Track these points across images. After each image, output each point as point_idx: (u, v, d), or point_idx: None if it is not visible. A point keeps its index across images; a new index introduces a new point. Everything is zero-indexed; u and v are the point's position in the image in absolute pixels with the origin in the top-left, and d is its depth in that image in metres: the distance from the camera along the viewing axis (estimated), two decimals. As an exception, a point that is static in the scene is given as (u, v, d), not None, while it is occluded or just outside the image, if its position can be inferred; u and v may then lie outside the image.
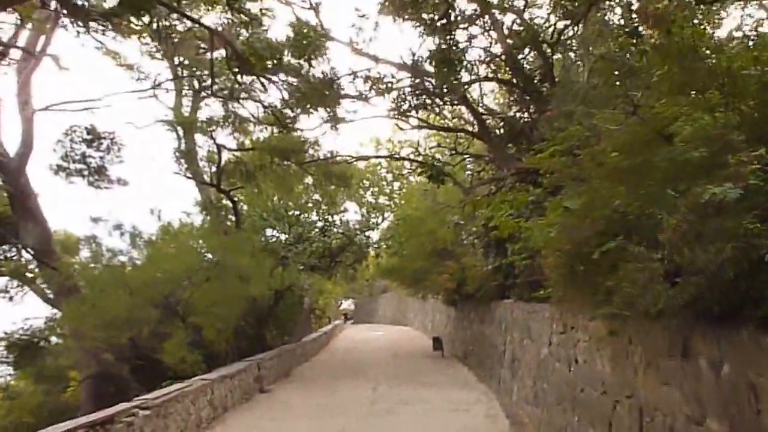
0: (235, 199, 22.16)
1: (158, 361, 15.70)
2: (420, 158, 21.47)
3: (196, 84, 21.49)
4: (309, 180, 24.35)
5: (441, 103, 17.89)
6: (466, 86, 16.43)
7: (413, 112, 18.09)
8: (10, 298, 20.79)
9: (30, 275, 19.72)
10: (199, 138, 21.77)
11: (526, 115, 16.03)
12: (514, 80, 15.98)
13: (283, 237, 24.80)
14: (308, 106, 17.01)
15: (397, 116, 18.37)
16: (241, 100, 19.53)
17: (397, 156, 16.62)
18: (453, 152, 17.57)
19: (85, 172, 22.72)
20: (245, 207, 25.63)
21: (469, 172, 21.75)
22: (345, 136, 79.06)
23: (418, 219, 23.17)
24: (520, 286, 13.91)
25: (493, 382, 16.40)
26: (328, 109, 17.21)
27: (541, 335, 11.41)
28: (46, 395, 19.11)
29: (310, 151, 18.97)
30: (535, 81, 15.33)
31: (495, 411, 12.99)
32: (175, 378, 16.71)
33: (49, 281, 16.47)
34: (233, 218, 22.50)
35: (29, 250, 17.92)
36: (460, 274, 19.86)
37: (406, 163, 27.52)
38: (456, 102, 17.42)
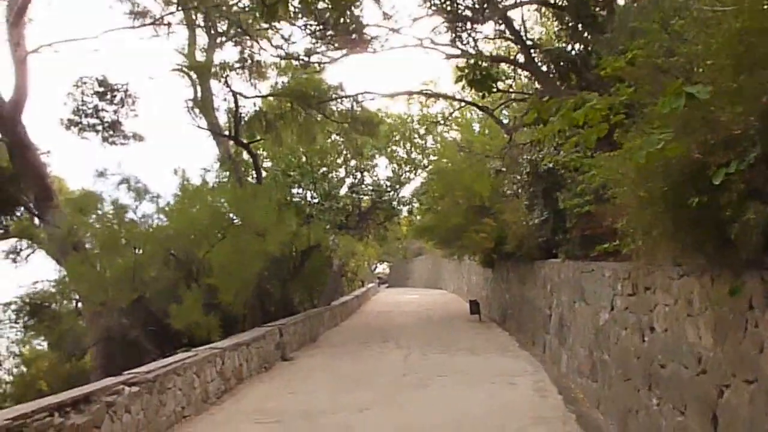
0: (255, 152, 20.60)
1: (171, 326, 14.38)
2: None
3: (211, 28, 19.83)
4: (335, 136, 22.76)
5: (479, 28, 15.59)
6: (508, 7, 14.29)
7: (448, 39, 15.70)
8: (15, 260, 19.87)
9: (35, 234, 18.60)
10: (215, 87, 20.20)
11: (578, 46, 13.90)
12: (565, 2, 13.66)
13: (308, 194, 23.24)
14: (333, 40, 15.02)
15: (430, 46, 16.05)
16: (259, 42, 17.74)
17: (429, 92, 14.51)
18: (494, 90, 15.43)
19: (99, 127, 21.49)
20: (268, 164, 24.14)
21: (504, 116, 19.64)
22: (372, 86, 76.45)
23: (453, 173, 21.41)
24: (571, 242, 12.10)
25: (537, 348, 14.90)
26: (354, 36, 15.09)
27: (599, 298, 9.63)
28: (60, 361, 18.09)
29: (334, 97, 17.13)
30: (590, 4, 13.12)
31: (543, 383, 11.30)
32: (190, 344, 15.51)
33: (53, 239, 15.20)
34: (253, 173, 21.07)
35: (30, 206, 16.76)
36: (499, 231, 18.43)
37: (440, 113, 25.73)
38: (497, 27, 15.16)
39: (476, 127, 25.49)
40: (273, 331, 15.89)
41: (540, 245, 14.73)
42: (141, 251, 14.47)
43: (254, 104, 19.69)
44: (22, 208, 18.25)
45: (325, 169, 23.83)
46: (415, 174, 26.29)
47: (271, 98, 18.15)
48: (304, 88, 16.45)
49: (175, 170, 18.50)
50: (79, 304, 17.22)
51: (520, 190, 14.71)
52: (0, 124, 15.67)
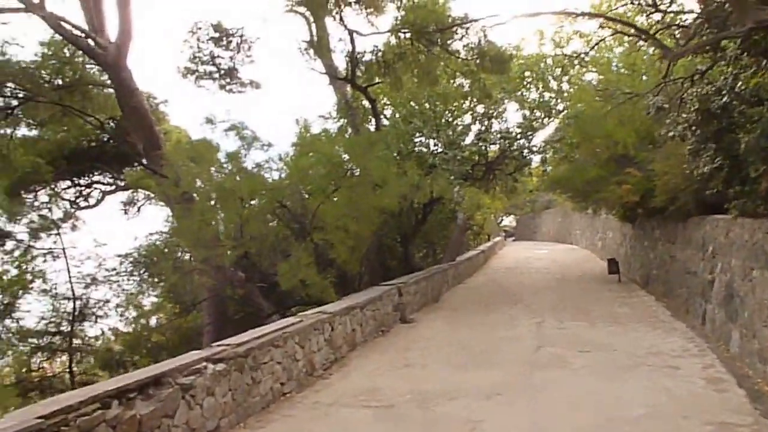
0: (374, 98, 19.06)
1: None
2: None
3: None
4: (460, 80, 20.74)
5: None
6: None
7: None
8: (126, 211, 19.94)
9: (148, 185, 18.40)
10: (330, 26, 18.74)
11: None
12: None
13: (431, 143, 21.51)
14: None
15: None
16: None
17: (576, 12, 12.00)
18: (653, 9, 12.68)
19: (215, 75, 20.92)
20: (389, 112, 22.61)
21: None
22: (499, 29, 71.67)
23: (591, 119, 18.92)
24: (752, 196, 9.70)
25: (695, 319, 12.68)
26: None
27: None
28: (176, 314, 17.99)
29: (460, 24, 15.07)
30: None
31: (715, 370, 9.10)
32: (304, 302, 14.62)
33: (162, 190, 14.65)
34: (372, 120, 19.66)
35: (139, 155, 16.36)
36: (646, 183, 16.28)
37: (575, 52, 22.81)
38: None
39: (616, 67, 22.63)
40: (391, 291, 14.58)
41: (701, 199, 12.34)
42: (250, 204, 13.52)
43: (373, 46, 18.16)
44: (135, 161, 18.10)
45: (449, 115, 21.93)
46: (548, 119, 23.78)
47: (389, 37, 16.46)
48: (425, 20, 14.55)
49: (296, 120, 17.40)
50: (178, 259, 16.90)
51: (686, 133, 12.19)
52: (106, 69, 15.20)
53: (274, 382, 8.10)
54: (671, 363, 9.61)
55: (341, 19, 16.50)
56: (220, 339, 8.24)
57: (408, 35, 15.55)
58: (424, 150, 21.10)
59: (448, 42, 15.54)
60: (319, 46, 18.15)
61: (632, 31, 13.70)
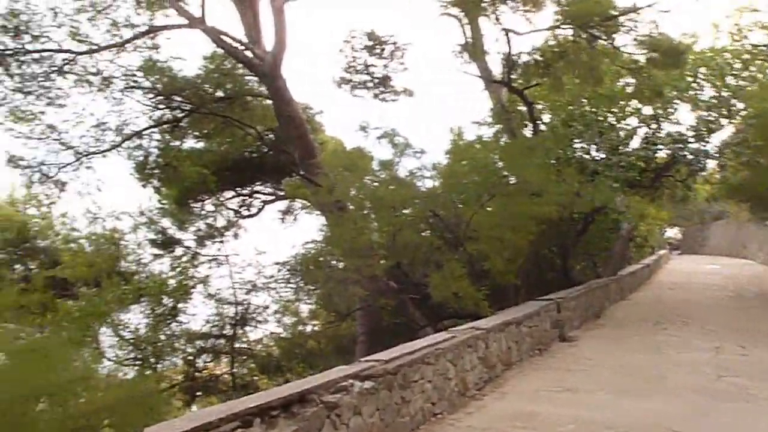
0: (531, 101, 18.11)
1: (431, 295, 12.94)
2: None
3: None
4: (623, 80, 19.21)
5: None
6: None
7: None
8: (284, 220, 20.42)
9: (305, 194, 18.77)
10: (484, 27, 18.05)
11: None
12: None
13: (592, 148, 20.08)
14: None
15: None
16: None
17: None
18: None
19: (369, 84, 21.02)
20: (546, 117, 21.47)
21: None
22: (667, 24, 66.35)
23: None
24: None
25: None
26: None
27: None
28: (330, 322, 18.12)
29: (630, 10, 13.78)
30: None
31: None
32: (456, 316, 14.04)
33: (316, 198, 14.74)
34: (529, 125, 18.69)
35: (295, 164, 16.63)
36: None
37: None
38: None
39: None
40: (549, 306, 13.56)
41: None
42: (402, 212, 13.19)
43: (530, 46, 17.25)
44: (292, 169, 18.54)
45: (612, 118, 20.38)
46: (726, 120, 21.38)
47: (548, 35, 15.50)
48: (589, 13, 13.42)
49: (450, 128, 16.99)
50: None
51: None
52: (262, 79, 15.59)
53: (424, 402, 7.55)
54: None
55: (496, 18, 15.80)
56: (373, 349, 7.87)
57: (569, 31, 14.50)
58: (585, 156, 19.71)
59: (614, 36, 14.27)
60: (474, 49, 17.52)
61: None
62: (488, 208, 14.21)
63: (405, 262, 13.54)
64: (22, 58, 17.73)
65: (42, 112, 18.55)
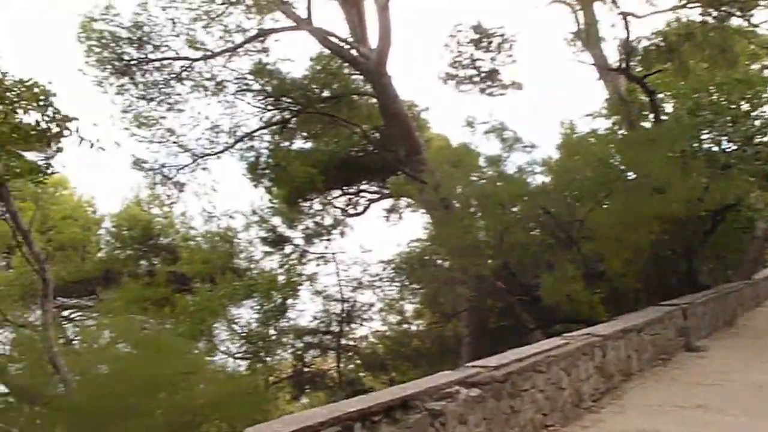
0: (653, 89, 16.75)
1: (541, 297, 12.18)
2: None
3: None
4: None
5: None
6: None
7: None
8: (388, 218, 20.20)
9: (410, 193, 18.52)
10: (599, 12, 16.91)
11: None
12: None
13: (723, 138, 18.32)
14: None
15: None
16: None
17: None
18: None
19: (476, 78, 20.42)
20: (669, 107, 19.87)
21: None
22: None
23: None
24: None
25: None
26: None
27: None
28: (436, 321, 17.73)
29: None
30: None
31: None
32: (569, 321, 13.17)
33: (422, 196, 14.34)
34: (649, 115, 17.28)
35: (400, 162, 16.30)
36: None
37: None
38: None
39: None
40: (674, 313, 12.38)
41: None
42: (511, 210, 12.51)
43: (651, 30, 15.91)
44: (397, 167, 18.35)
45: (746, 104, 18.50)
46: None
47: (672, 17, 14.22)
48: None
49: (561, 122, 16.09)
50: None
51: None
52: (367, 76, 15.39)
53: (534, 413, 6.92)
54: None
55: (613, 1, 14.70)
56: (480, 352, 7.34)
57: (697, 10, 13.21)
58: (715, 148, 18.00)
59: (751, 13, 12.84)
60: (588, 36, 16.46)
61: None
62: (605, 206, 13.18)
63: (513, 262, 12.85)
64: (145, 67, 18.74)
65: (163, 117, 19.66)
